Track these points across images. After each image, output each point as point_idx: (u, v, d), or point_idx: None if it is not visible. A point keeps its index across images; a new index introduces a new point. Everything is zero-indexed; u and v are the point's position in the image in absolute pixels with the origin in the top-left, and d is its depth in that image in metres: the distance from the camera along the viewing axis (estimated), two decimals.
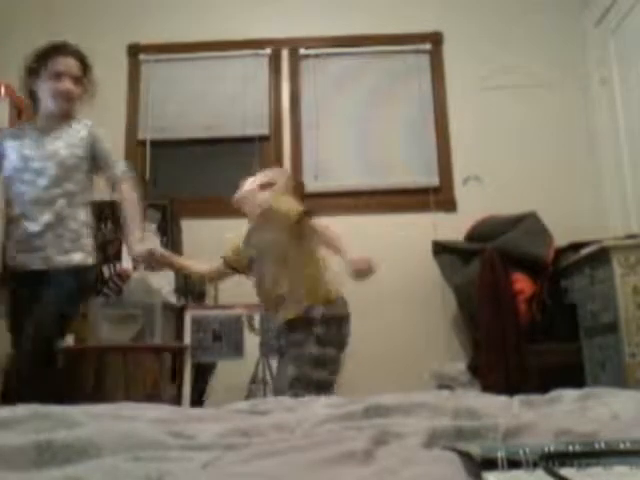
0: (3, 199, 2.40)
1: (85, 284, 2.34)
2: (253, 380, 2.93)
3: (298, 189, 2.27)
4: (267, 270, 2.09)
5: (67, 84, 2.28)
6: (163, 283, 3.02)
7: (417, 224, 3.43)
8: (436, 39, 3.71)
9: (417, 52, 3.72)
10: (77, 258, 2.25)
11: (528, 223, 3.05)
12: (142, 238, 2.32)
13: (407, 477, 0.60)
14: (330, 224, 3.50)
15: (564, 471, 0.58)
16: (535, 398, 1.17)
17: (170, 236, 3.20)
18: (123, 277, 3.02)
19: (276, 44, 3.75)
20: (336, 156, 3.65)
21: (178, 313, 3.13)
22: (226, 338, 3.08)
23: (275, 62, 3.75)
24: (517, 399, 1.16)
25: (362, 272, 1.86)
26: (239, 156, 3.62)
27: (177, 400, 2.90)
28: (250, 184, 2.23)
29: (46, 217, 2.22)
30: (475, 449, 0.63)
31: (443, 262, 3.20)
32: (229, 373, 3.02)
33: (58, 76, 2.28)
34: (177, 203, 3.34)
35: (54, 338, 2.17)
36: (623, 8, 3.22)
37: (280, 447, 0.74)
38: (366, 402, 1.03)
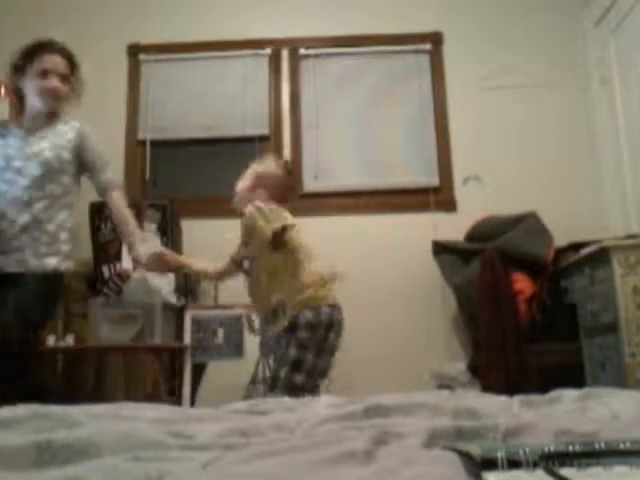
0: None
1: (57, 290, 2.27)
2: (253, 380, 2.92)
3: (287, 183, 2.27)
4: (259, 278, 2.10)
5: (54, 82, 2.24)
6: (163, 283, 3.02)
7: (417, 224, 3.43)
8: (436, 39, 3.71)
9: (417, 52, 3.72)
10: (52, 263, 2.19)
11: (528, 223, 3.05)
12: (143, 238, 2.32)
13: (407, 477, 0.60)
14: (330, 224, 3.51)
15: (564, 471, 0.58)
16: (535, 398, 1.17)
17: (170, 236, 3.20)
18: (123, 277, 3.02)
19: (276, 44, 3.75)
20: (336, 156, 3.65)
21: (178, 313, 3.13)
22: (226, 338, 3.08)
23: (275, 62, 3.75)
24: (517, 399, 1.16)
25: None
26: (239, 156, 3.60)
27: (177, 400, 2.90)
28: (242, 184, 2.24)
29: (23, 218, 2.17)
30: (475, 449, 0.63)
31: (443, 262, 3.20)
32: (229, 373, 3.01)
33: (45, 74, 2.23)
34: (177, 203, 3.34)
35: (21, 342, 2.10)
36: (623, 8, 3.22)
37: (280, 447, 0.74)
38: (366, 402, 1.03)
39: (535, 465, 0.59)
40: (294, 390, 1.86)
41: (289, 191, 2.30)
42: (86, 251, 3.14)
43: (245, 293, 2.21)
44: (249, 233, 2.08)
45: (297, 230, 2.07)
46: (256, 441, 0.82)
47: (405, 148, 3.63)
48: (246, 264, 2.19)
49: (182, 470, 0.65)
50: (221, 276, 2.42)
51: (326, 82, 3.73)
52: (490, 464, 0.60)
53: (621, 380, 2.50)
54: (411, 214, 3.49)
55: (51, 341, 2.89)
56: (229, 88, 3.71)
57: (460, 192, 3.53)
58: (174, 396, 2.95)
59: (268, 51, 3.74)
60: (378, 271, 3.39)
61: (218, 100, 3.70)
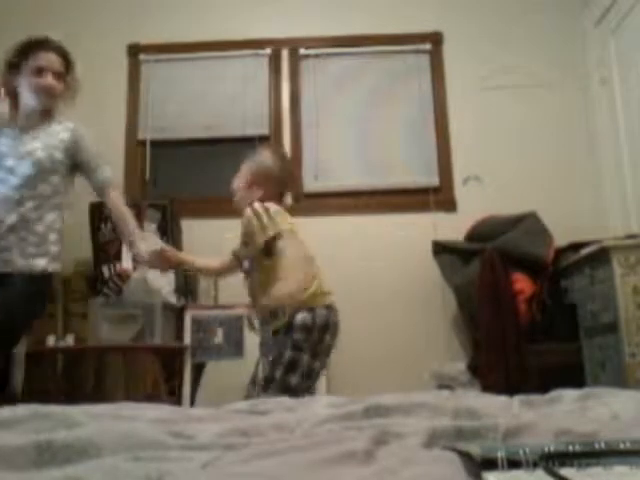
0: None
1: (45, 291, 2.26)
2: (253, 380, 2.92)
3: (282, 176, 2.24)
4: (259, 278, 2.10)
5: (49, 79, 2.23)
6: (163, 283, 3.02)
7: (417, 224, 3.43)
8: (436, 39, 3.71)
9: (417, 52, 3.72)
10: (41, 264, 2.18)
11: (528, 223, 3.05)
12: (143, 236, 2.32)
13: (407, 477, 0.60)
14: (330, 224, 3.51)
15: (564, 471, 0.58)
16: (535, 398, 1.16)
17: (170, 236, 3.20)
18: (123, 277, 3.01)
19: (276, 44, 3.75)
20: (336, 156, 3.65)
21: (178, 313, 3.13)
22: (226, 338, 3.08)
23: (275, 62, 3.75)
24: (517, 399, 1.16)
25: None
26: (239, 156, 3.58)
27: (177, 400, 2.90)
28: (237, 182, 2.24)
29: (11, 218, 2.16)
30: (475, 449, 0.63)
31: (443, 262, 3.19)
32: (229, 373, 3.01)
33: (39, 71, 2.22)
34: (177, 203, 3.34)
35: (3, 342, 2.11)
36: (623, 8, 3.22)
37: (280, 447, 0.73)
38: (366, 402, 1.03)
39: (535, 465, 0.59)
40: (288, 391, 1.86)
41: (287, 182, 2.26)
42: (86, 251, 3.15)
43: (245, 293, 2.21)
44: (247, 235, 2.08)
45: (294, 230, 2.06)
46: (256, 441, 0.82)
47: (405, 148, 3.63)
48: (246, 264, 2.19)
49: (182, 470, 0.65)
50: (223, 272, 2.41)
51: (326, 82, 3.73)
52: (490, 464, 0.60)
53: (621, 380, 2.50)
54: (411, 214, 3.49)
55: (51, 341, 2.89)
56: (229, 88, 3.71)
57: (460, 192, 3.53)
58: (174, 396, 2.95)
59: (268, 51, 3.73)
60: (378, 271, 3.39)
61: (218, 100, 3.70)
